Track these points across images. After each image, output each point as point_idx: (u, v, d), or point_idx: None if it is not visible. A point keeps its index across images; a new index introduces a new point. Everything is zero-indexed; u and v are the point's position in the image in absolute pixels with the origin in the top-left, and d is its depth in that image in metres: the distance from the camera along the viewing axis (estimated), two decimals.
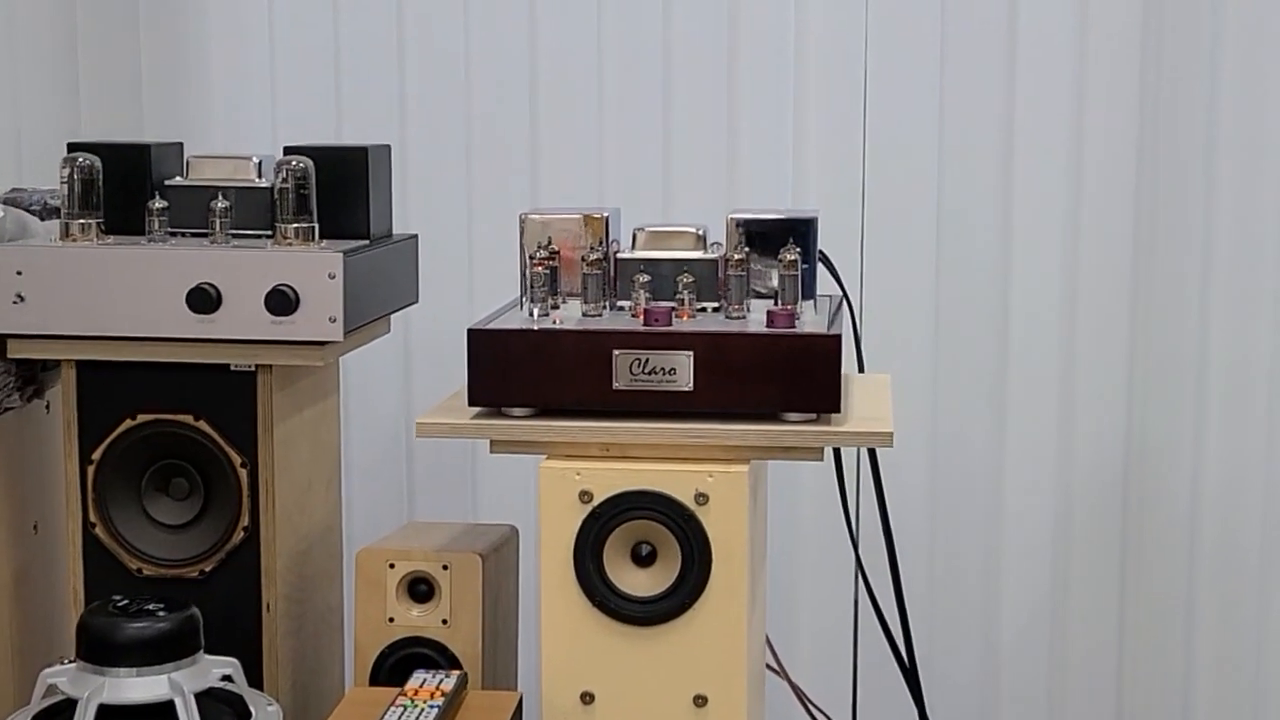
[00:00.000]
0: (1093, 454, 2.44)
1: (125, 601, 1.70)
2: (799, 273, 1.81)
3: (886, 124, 2.43)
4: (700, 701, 1.73)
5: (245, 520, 1.91)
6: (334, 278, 1.83)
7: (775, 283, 1.81)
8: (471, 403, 1.76)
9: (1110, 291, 2.41)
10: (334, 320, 1.83)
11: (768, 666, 2.04)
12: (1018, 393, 2.44)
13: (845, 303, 2.01)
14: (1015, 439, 2.45)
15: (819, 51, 2.43)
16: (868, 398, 1.88)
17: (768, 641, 2.02)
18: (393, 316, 2.10)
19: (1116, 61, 2.37)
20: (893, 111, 2.43)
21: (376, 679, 1.90)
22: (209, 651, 1.74)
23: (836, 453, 2.07)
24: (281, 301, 1.83)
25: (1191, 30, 2.34)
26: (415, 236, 2.13)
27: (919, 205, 2.44)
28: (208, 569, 1.92)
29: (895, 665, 2.25)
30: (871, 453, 2.10)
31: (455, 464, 2.54)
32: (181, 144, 2.09)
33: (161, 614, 1.67)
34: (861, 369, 2.09)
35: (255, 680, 1.87)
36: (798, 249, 1.81)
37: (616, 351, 1.73)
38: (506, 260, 2.45)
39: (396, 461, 2.57)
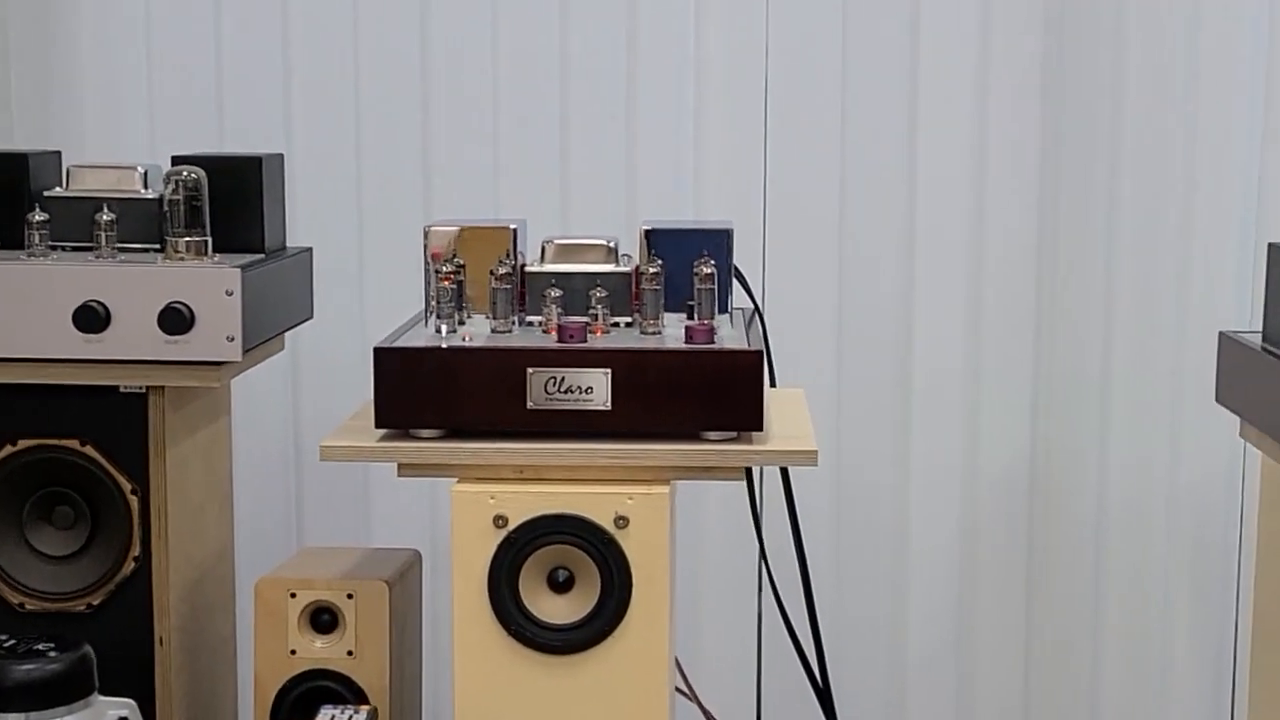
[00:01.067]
0: (998, 466, 2.42)
1: (13, 641, 1.60)
2: (715, 286, 1.76)
3: (788, 137, 2.40)
4: None
5: (136, 549, 1.82)
6: (231, 294, 1.75)
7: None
8: (378, 424, 1.69)
9: (1014, 303, 2.40)
10: (232, 339, 1.75)
11: (677, 689, 1.98)
12: (922, 405, 2.42)
13: (757, 316, 1.96)
14: (920, 452, 2.43)
15: (719, 64, 2.39)
16: (784, 414, 1.84)
17: (678, 664, 1.97)
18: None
19: (1020, 74, 2.36)
20: (794, 124, 2.40)
21: (277, 715, 1.81)
22: (100, 691, 1.64)
23: (748, 470, 2.02)
24: (176, 320, 1.74)
25: (1092, 48, 2.34)
26: (310, 250, 2.05)
27: (821, 218, 2.41)
28: (96, 602, 1.83)
29: (799, 683, 2.20)
30: (783, 470, 2.06)
31: (346, 486, 2.45)
32: (60, 153, 2.00)
33: (52, 654, 1.58)
34: (773, 384, 2.05)
35: (149, 718, 1.78)
36: (713, 261, 1.76)
37: (531, 370, 1.67)
38: (398, 273, 2.40)
39: (284, 484, 2.47)
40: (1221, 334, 1.91)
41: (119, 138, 2.43)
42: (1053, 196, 2.38)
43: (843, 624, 2.44)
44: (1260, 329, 1.84)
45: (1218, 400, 1.92)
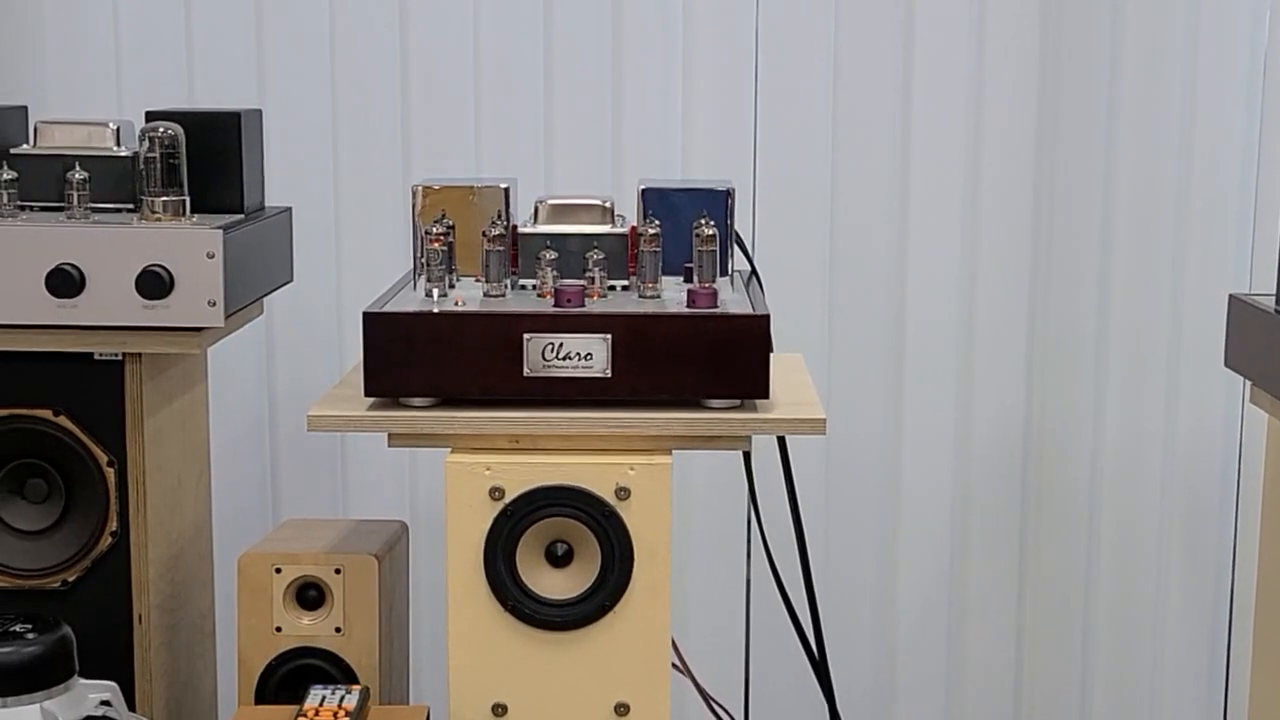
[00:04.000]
0: (992, 431, 2.37)
1: None
2: (717, 248, 1.69)
3: (779, 94, 2.32)
4: (622, 710, 1.62)
5: (113, 524, 1.75)
6: (213, 257, 1.68)
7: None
8: (368, 392, 1.61)
9: (1009, 263, 2.34)
10: (213, 304, 1.68)
11: (672, 665, 1.93)
12: (915, 367, 2.36)
13: (755, 279, 1.90)
14: (913, 413, 2.37)
15: (708, 20, 2.31)
16: (786, 380, 1.78)
17: (672, 641, 1.91)
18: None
19: (1017, 32, 2.29)
20: (785, 81, 2.32)
21: (263, 695, 1.74)
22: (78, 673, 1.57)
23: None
24: (154, 283, 1.66)
25: (1091, 5, 2.29)
26: (290, 210, 1.97)
27: (812, 178, 2.34)
28: (71, 579, 1.76)
29: (789, 654, 2.15)
30: (780, 438, 1.99)
31: (323, 456, 2.37)
32: (26, 108, 1.91)
33: (30, 635, 1.51)
34: (771, 349, 1.98)
35: (127, 699, 1.71)
36: (714, 222, 1.70)
37: (527, 335, 1.60)
38: (375, 234, 2.33)
39: (259, 455, 2.39)
40: (1232, 296, 1.85)
41: (84, 93, 2.33)
42: (1049, 155, 2.32)
43: (832, 588, 2.39)
44: (1273, 291, 1.79)
45: (1226, 364, 1.87)
